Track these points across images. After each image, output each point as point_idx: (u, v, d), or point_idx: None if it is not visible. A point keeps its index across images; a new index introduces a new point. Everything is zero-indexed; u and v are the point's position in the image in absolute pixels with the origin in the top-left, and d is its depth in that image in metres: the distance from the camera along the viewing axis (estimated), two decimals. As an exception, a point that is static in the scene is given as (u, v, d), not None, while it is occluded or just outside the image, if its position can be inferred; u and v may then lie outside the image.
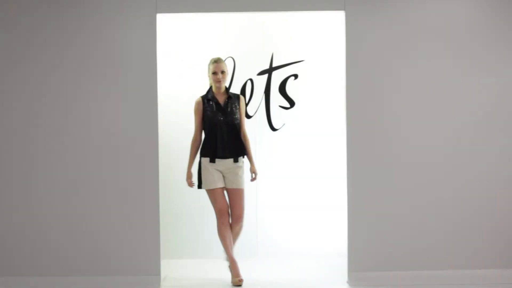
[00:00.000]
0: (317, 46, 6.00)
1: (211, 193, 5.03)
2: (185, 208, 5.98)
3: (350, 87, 4.88)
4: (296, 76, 6.03)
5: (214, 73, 5.07)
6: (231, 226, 5.07)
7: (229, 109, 5.07)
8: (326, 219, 6.00)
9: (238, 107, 5.12)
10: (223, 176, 5.06)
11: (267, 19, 5.95)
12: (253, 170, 5.17)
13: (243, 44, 6.01)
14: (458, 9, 4.92)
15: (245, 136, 5.14)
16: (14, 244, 4.92)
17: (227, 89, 5.16)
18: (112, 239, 4.91)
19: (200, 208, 5.89)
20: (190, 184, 5.14)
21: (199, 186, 5.11)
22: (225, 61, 4.95)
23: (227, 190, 5.08)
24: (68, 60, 4.91)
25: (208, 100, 5.10)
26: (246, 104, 5.96)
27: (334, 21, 5.63)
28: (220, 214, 5.02)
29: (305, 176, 6.02)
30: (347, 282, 4.90)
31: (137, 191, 4.90)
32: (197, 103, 5.13)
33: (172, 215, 5.86)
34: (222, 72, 5.08)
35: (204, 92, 5.20)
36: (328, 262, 5.70)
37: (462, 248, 4.89)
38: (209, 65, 5.11)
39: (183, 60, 5.98)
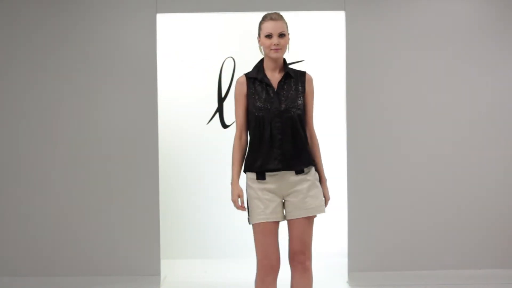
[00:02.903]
0: (317, 46, 6.00)
1: (256, 229, 3.20)
2: (186, 208, 5.98)
3: (350, 87, 4.88)
4: (296, 76, 6.02)
5: (268, 35, 3.24)
6: (291, 274, 3.30)
7: (285, 93, 3.27)
8: (326, 219, 5.99)
9: (302, 90, 3.31)
10: (282, 201, 3.24)
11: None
12: (324, 193, 3.32)
13: (243, 44, 6.01)
14: (458, 9, 4.92)
15: (312, 135, 3.39)
16: (14, 244, 4.92)
17: (286, 63, 3.36)
18: (112, 239, 4.91)
19: (200, 208, 5.89)
20: (240, 206, 3.27)
21: (249, 220, 3.25)
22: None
23: (290, 222, 3.24)
24: (68, 60, 4.90)
25: (255, 79, 3.30)
26: None
27: (334, 21, 5.62)
28: (264, 268, 3.18)
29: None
30: (347, 282, 4.89)
31: (137, 191, 4.90)
32: (238, 84, 3.32)
33: (172, 215, 5.85)
34: (281, 35, 3.25)
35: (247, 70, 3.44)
36: (328, 262, 5.70)
37: (462, 248, 4.89)
38: (260, 24, 3.30)
39: (183, 60, 5.97)
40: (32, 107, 4.92)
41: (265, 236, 3.16)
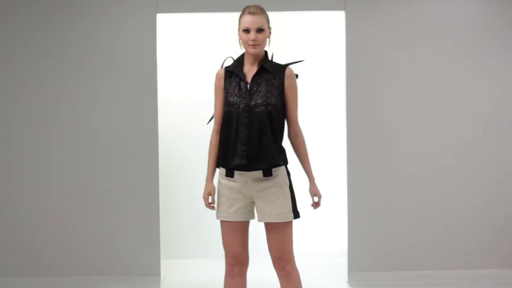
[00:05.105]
0: (317, 46, 6.00)
1: (221, 226, 3.24)
2: (186, 207, 5.98)
3: (350, 87, 4.87)
4: (296, 76, 6.01)
5: (246, 30, 3.15)
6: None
7: (257, 88, 3.15)
8: (326, 219, 6.00)
9: (278, 86, 3.18)
10: (252, 201, 3.18)
11: (267, 19, 5.94)
12: (314, 192, 3.29)
13: (243, 44, 6.00)
14: (459, 9, 4.92)
15: (297, 133, 3.25)
16: (14, 244, 4.92)
17: (267, 56, 3.25)
18: (112, 239, 4.91)
19: (200, 208, 5.88)
20: (209, 205, 3.25)
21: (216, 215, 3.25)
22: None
23: (265, 225, 3.22)
24: (67, 61, 4.90)
25: (232, 73, 3.22)
26: None
27: (334, 21, 5.62)
28: (231, 262, 3.21)
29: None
30: (347, 282, 4.89)
31: (137, 191, 4.90)
32: (217, 78, 3.25)
33: (172, 215, 5.85)
34: (260, 30, 3.14)
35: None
36: (328, 262, 5.70)
37: (462, 248, 4.89)
38: (239, 17, 3.21)
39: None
40: (31, 107, 4.91)
41: (230, 233, 3.18)
